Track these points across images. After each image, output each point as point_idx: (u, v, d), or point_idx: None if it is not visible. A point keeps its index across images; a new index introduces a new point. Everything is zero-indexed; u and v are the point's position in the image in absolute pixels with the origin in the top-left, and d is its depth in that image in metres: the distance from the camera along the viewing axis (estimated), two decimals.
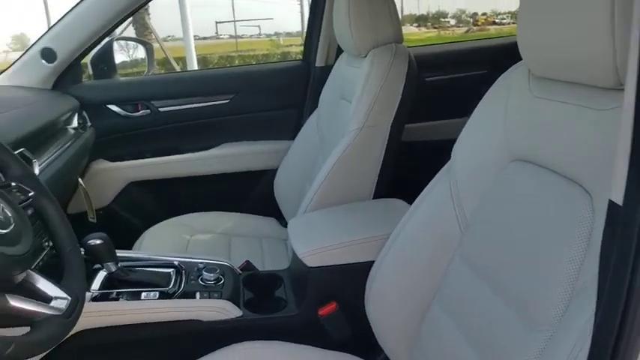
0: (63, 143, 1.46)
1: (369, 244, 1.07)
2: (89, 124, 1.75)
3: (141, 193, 1.90)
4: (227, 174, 1.93)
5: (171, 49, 10.89)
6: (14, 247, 0.67)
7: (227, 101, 1.87)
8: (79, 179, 1.62)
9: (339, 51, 1.76)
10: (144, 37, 10.00)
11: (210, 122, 1.90)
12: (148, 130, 1.85)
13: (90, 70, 1.85)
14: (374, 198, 1.34)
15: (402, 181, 1.39)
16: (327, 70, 1.74)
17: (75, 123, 1.61)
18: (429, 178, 0.88)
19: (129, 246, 1.57)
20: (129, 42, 1.99)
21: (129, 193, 1.88)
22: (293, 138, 1.84)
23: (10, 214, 0.70)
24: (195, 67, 9.43)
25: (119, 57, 1.95)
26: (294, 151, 1.75)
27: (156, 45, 10.47)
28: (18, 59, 1.65)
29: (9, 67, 1.65)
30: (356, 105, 1.29)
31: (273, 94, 1.90)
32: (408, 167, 1.50)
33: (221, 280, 1.16)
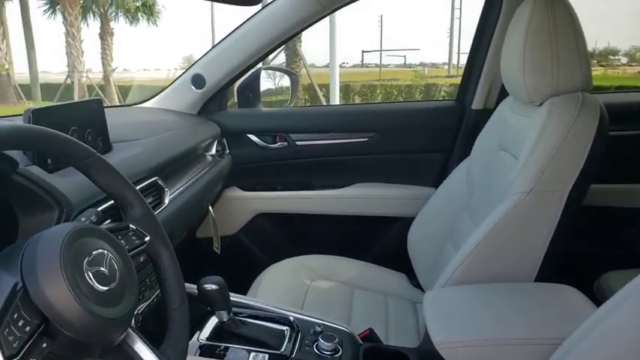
0: (200, 170, 1.44)
1: (534, 347, 0.83)
2: (227, 151, 1.74)
3: (268, 225, 1.84)
4: (357, 217, 1.78)
5: (317, 76, 11.36)
6: (114, 309, 0.58)
7: (366, 139, 1.73)
8: (210, 207, 1.60)
9: (503, 93, 1.52)
10: (293, 62, 10.58)
11: (347, 160, 1.78)
12: (282, 163, 1.79)
13: (235, 98, 1.85)
14: (536, 280, 1.07)
15: (573, 259, 1.10)
16: (485, 114, 1.51)
17: (214, 150, 1.60)
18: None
19: (248, 280, 1.49)
20: (276, 71, 1.96)
21: (256, 224, 1.83)
22: (436, 186, 1.63)
23: (117, 267, 0.61)
24: (337, 93, 9.68)
25: (265, 84, 1.94)
26: (437, 201, 1.53)
27: (303, 71, 11.05)
28: (171, 84, 1.70)
29: (162, 90, 1.71)
30: (524, 163, 1.04)
31: (419, 134, 1.72)
32: (580, 239, 1.20)
33: (339, 351, 1.00)
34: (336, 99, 9.77)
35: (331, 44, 9.32)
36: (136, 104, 1.73)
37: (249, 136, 1.77)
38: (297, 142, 1.76)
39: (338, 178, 1.80)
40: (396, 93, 12.23)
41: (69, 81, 13.72)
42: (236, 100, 1.86)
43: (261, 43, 1.57)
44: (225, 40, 1.60)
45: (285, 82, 2.04)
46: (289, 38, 1.59)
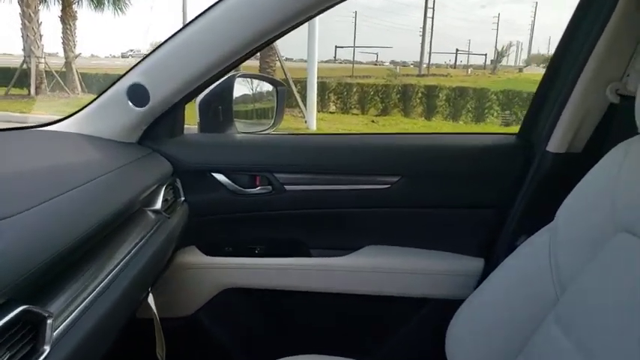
0: (133, 241, 0.88)
1: None
2: (182, 198, 1.17)
3: (240, 305, 1.29)
4: (368, 296, 1.25)
5: (291, 71, 10.74)
6: None
7: (387, 186, 1.20)
8: (150, 297, 1.03)
9: (602, 131, 1.02)
10: (267, 56, 9.90)
11: (357, 214, 1.24)
12: (263, 215, 1.24)
13: (197, 118, 1.28)
14: None
15: None
16: (569, 160, 1.03)
17: (159, 202, 1.03)
18: None
19: None
20: (255, 80, 1.40)
21: (223, 303, 1.28)
22: (486, 256, 1.12)
23: None
24: (315, 90, 9.08)
25: (242, 96, 1.38)
26: (496, 286, 1.00)
27: (277, 64, 10.39)
28: (97, 97, 1.12)
29: (85, 106, 1.13)
30: None
31: (463, 181, 1.20)
32: None
33: None
34: (313, 96, 9.20)
35: (310, 37, 8.73)
36: (43, 126, 1.14)
37: (215, 175, 1.20)
38: (287, 186, 1.21)
39: (343, 239, 1.27)
40: (372, 92, 11.71)
41: (25, 66, 12.61)
42: (198, 122, 1.29)
43: (236, 40, 1.01)
44: (178, 35, 1.03)
45: (266, 88, 1.48)
46: (274, 39, 1.04)
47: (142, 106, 1.08)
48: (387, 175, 1.20)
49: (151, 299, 1.02)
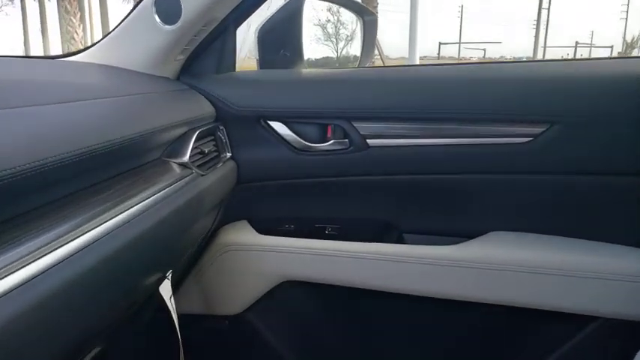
0: (139, 194, 0.59)
1: None
2: (228, 153, 0.86)
3: (303, 305, 0.95)
4: (492, 307, 0.84)
5: None
6: None
7: (526, 140, 0.79)
8: (166, 283, 0.72)
9: None
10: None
11: (477, 183, 0.84)
12: (338, 182, 0.89)
13: (256, 51, 0.96)
14: None
15: None
16: None
17: (187, 154, 0.72)
18: None
19: None
20: (334, 4, 1.05)
21: (280, 301, 0.94)
22: None
23: None
24: None
25: (314, 29, 1.05)
26: None
27: (378, 62, 9.94)
28: (124, 19, 0.84)
29: (109, 32, 0.86)
30: None
31: None
32: None
33: None
34: None
35: (411, 31, 8.26)
36: (60, 57, 0.89)
37: (273, 124, 0.87)
38: (370, 141, 0.84)
39: (454, 220, 0.87)
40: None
41: None
42: (256, 55, 0.97)
43: None
44: None
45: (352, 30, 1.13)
46: None
47: (172, 23, 0.78)
48: (528, 123, 0.78)
49: (166, 286, 0.71)
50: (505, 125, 0.79)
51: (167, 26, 0.79)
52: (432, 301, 0.85)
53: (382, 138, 0.84)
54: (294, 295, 0.93)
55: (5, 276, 0.37)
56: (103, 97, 0.61)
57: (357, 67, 1.07)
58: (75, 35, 12.07)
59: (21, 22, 15.79)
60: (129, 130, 0.59)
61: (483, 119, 0.80)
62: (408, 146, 0.83)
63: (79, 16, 12.78)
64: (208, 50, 0.89)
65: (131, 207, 0.56)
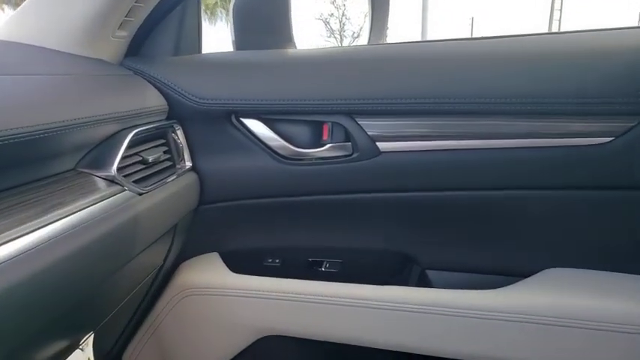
0: (39, 217, 0.35)
1: None
2: (187, 163, 0.63)
3: None
4: None
5: None
6: None
7: (604, 141, 0.55)
8: (89, 342, 0.49)
9: None
10: None
11: (527, 201, 0.60)
12: (337, 201, 0.65)
13: (230, 27, 0.74)
14: None
15: None
16: None
17: (114, 164, 0.50)
18: None
19: None
20: None
21: (264, 359, 0.70)
22: None
23: None
24: None
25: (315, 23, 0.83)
26: None
27: None
28: None
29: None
30: None
31: None
32: None
33: None
34: None
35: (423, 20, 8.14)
36: None
37: (247, 123, 0.64)
38: (380, 144, 0.61)
39: (494, 252, 0.63)
40: None
41: None
42: (232, 36, 0.74)
43: None
44: None
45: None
46: None
47: None
48: (608, 117, 0.55)
49: (86, 349, 0.48)
50: (572, 120, 0.56)
51: None
52: None
53: (398, 140, 0.61)
54: (280, 354, 0.69)
55: None
56: None
57: (368, 40, 0.83)
58: None
59: None
60: (24, 119, 0.37)
61: (539, 112, 0.56)
62: (433, 151, 0.60)
63: None
64: (162, 26, 0.67)
65: (20, 236, 0.34)
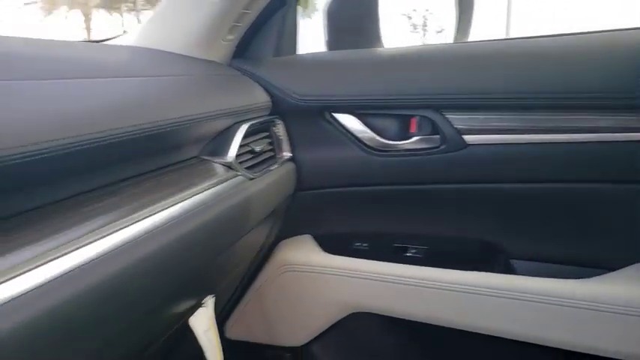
0: (170, 197, 0.45)
1: None
2: (286, 153, 0.70)
3: (381, 344, 0.76)
4: None
5: None
6: None
7: None
8: (209, 303, 0.58)
9: None
10: None
11: (618, 192, 0.61)
12: (425, 191, 0.69)
13: (325, 32, 0.80)
14: None
15: None
16: None
17: (231, 152, 0.58)
18: None
19: None
20: None
21: (351, 336, 0.77)
22: None
23: None
24: None
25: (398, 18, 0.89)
26: None
27: None
28: None
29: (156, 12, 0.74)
30: None
31: None
32: None
33: None
34: None
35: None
36: (106, 40, 0.78)
37: (340, 118, 0.70)
38: (467, 137, 0.64)
39: (580, 244, 0.64)
40: None
41: None
42: (325, 36, 0.80)
43: None
44: None
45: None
46: None
47: None
48: None
49: (200, 318, 0.56)
50: None
51: None
52: (551, 352, 0.63)
53: (485, 133, 0.64)
54: (368, 330, 0.75)
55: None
56: (129, 76, 0.48)
57: (455, 37, 0.86)
58: None
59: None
60: (159, 114, 0.46)
61: (626, 106, 0.57)
62: (519, 144, 0.63)
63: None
64: (265, 30, 0.74)
65: (157, 212, 0.42)
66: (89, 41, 0.79)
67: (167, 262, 0.43)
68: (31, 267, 0.31)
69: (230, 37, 0.70)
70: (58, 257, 0.32)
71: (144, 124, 0.43)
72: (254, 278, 0.77)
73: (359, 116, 0.69)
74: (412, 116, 0.67)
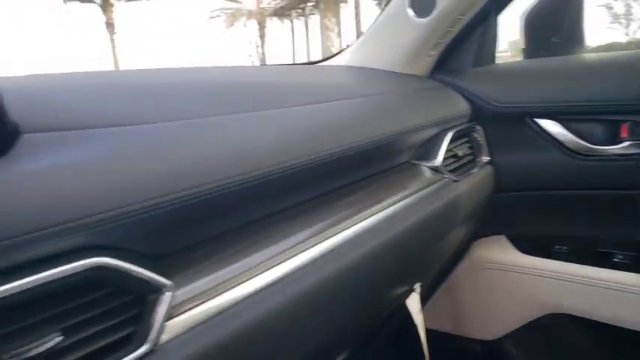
0: (385, 200, 0.54)
1: None
2: (485, 157, 0.75)
3: (579, 345, 0.77)
4: None
5: None
6: None
7: None
8: (414, 295, 0.66)
9: None
10: None
11: None
12: (634, 196, 0.68)
13: (523, 39, 0.83)
14: None
15: None
16: None
17: (439, 157, 0.65)
18: None
19: None
20: None
21: (547, 336, 0.78)
22: None
23: None
24: None
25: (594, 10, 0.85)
26: None
27: None
28: (375, 20, 0.82)
29: (363, 33, 0.85)
30: None
31: None
32: None
33: None
34: None
35: None
36: (320, 61, 0.92)
37: (541, 123, 0.73)
38: None
39: None
40: None
41: None
42: (522, 44, 0.83)
43: None
44: None
45: None
46: None
47: (425, 15, 0.72)
48: None
49: (414, 300, 0.65)
50: None
51: (420, 19, 0.73)
52: None
53: None
54: (564, 331, 0.76)
55: (250, 278, 0.36)
56: (348, 98, 0.58)
57: None
58: (332, 49, 13.47)
59: (290, 41, 18.41)
60: (376, 130, 0.55)
61: None
62: None
63: (336, 30, 14.11)
64: (464, 42, 0.80)
65: (377, 212, 0.52)
66: (306, 63, 0.94)
67: (390, 253, 0.52)
68: (270, 265, 0.38)
69: (433, 52, 0.78)
70: (294, 255, 0.40)
71: (363, 140, 0.51)
72: (449, 272, 0.84)
73: (561, 121, 0.71)
74: (622, 122, 0.66)
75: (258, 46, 17.96)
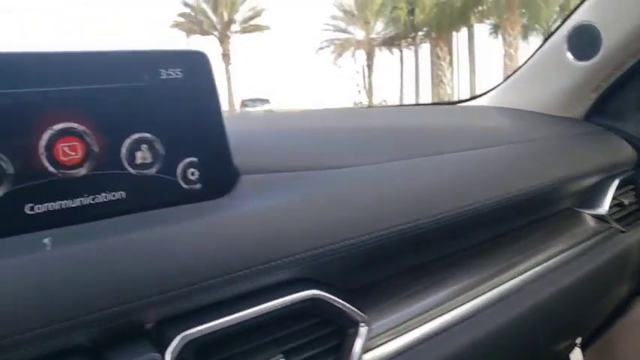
0: (547, 251, 0.54)
1: None
2: None
3: None
4: None
5: None
6: None
7: None
8: (577, 352, 0.63)
9: None
10: None
11: None
12: None
13: None
14: None
15: None
16: None
17: (605, 206, 0.63)
18: None
19: None
20: None
21: None
22: None
23: None
24: None
25: None
26: None
27: None
28: (527, 60, 0.81)
29: (513, 73, 0.85)
30: None
31: None
32: None
33: None
34: None
35: None
36: (463, 101, 0.94)
37: None
38: None
39: None
40: None
41: None
42: None
43: None
44: None
45: None
46: None
47: (586, 59, 0.70)
48: None
49: (577, 356, 0.62)
50: None
51: (581, 62, 0.71)
52: None
53: None
54: None
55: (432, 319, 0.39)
56: (507, 144, 0.58)
57: None
58: (443, 78, 13.25)
59: (398, 71, 18.48)
60: (541, 178, 0.54)
61: None
62: None
63: (448, 59, 13.92)
64: (628, 84, 0.76)
65: (544, 262, 0.51)
66: (449, 103, 0.95)
67: (556, 304, 0.51)
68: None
69: (593, 95, 0.75)
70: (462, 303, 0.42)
71: (529, 187, 0.51)
72: (609, 328, 0.78)
73: None
74: None
75: (365, 77, 18.33)
